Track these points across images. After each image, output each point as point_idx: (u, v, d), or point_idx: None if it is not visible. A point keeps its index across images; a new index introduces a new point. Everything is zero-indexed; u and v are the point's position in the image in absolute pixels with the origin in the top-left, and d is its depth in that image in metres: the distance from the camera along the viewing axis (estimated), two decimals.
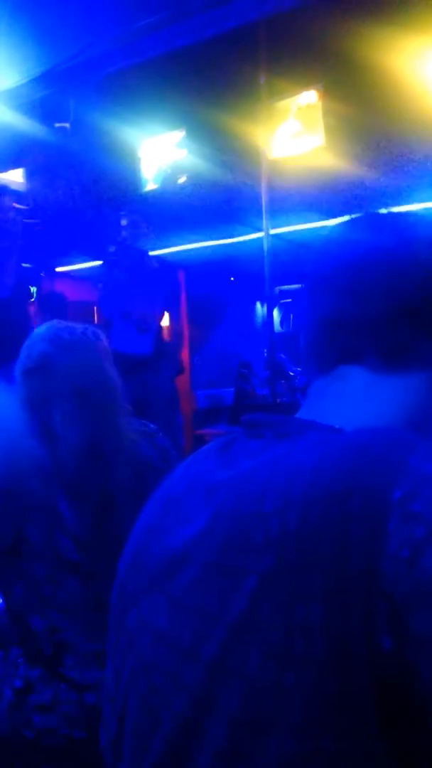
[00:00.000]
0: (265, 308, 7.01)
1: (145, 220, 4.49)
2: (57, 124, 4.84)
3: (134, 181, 5.37)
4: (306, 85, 4.46)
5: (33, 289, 5.71)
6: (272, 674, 0.57)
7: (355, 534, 0.56)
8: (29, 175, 5.69)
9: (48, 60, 4.41)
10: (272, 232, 4.29)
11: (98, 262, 5.07)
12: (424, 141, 4.31)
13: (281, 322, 8.10)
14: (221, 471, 0.72)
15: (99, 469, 1.48)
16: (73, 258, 7.17)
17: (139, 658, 0.71)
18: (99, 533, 1.44)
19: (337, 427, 0.69)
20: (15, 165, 5.60)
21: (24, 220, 4.51)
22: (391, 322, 0.71)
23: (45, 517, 1.43)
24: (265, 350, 6.68)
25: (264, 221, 4.15)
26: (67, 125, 4.85)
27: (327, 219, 5.62)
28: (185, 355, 6.21)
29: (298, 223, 5.91)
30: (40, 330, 1.58)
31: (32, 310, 5.16)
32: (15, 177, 5.60)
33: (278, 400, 5.26)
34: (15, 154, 5.46)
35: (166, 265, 4.82)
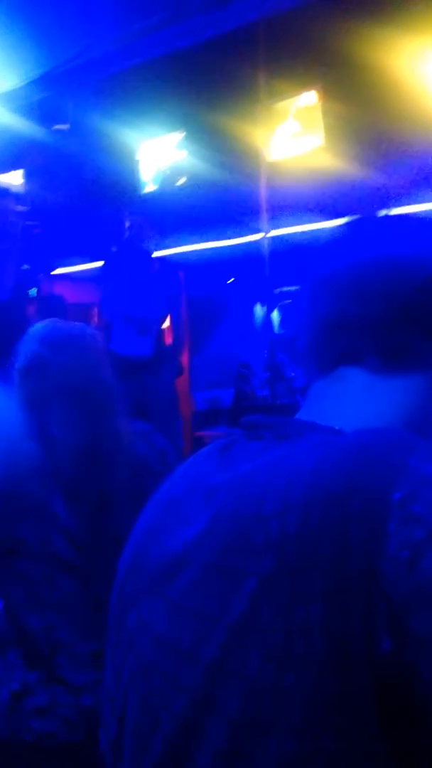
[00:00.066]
0: (265, 309, 7.01)
1: (148, 222, 4.47)
2: (56, 126, 4.85)
3: (133, 182, 5.37)
4: (305, 85, 4.47)
5: (33, 291, 5.69)
6: (272, 675, 0.58)
7: (355, 535, 0.56)
8: (28, 177, 5.69)
9: (47, 62, 4.41)
10: (272, 233, 4.29)
11: (97, 264, 5.04)
12: (424, 141, 4.31)
13: (281, 324, 8.09)
14: (221, 473, 0.72)
15: (96, 470, 1.48)
16: (72, 260, 7.16)
17: (139, 659, 0.71)
18: (96, 533, 1.44)
19: (336, 428, 0.69)
20: (14, 167, 5.61)
21: (23, 222, 4.51)
22: (391, 323, 0.71)
23: (42, 518, 1.43)
24: (265, 351, 6.68)
25: (264, 222, 4.15)
26: (65, 127, 4.85)
27: (327, 220, 5.61)
28: (185, 356, 6.20)
29: (298, 224, 5.90)
30: (35, 329, 1.57)
31: (31, 312, 5.14)
32: (14, 179, 5.61)
33: (278, 401, 5.25)
34: (14, 156, 5.46)
35: (168, 267, 4.75)
